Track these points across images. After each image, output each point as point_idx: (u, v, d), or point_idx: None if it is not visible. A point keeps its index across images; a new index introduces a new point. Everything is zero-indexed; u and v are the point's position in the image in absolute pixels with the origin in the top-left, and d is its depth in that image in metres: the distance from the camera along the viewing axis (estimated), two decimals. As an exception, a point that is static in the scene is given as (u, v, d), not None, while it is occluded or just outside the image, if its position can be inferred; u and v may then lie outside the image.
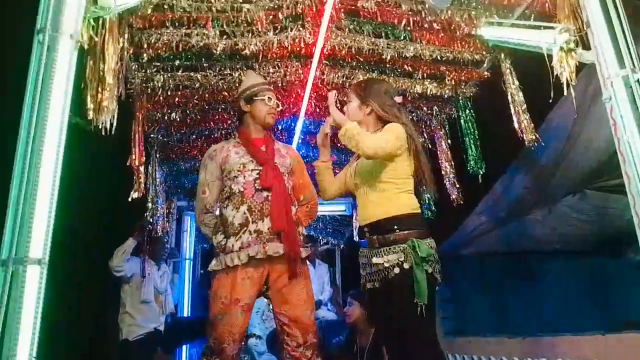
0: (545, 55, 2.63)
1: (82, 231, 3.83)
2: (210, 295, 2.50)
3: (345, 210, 6.03)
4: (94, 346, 4.85)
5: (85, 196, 3.65)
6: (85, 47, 2.21)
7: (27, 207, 1.81)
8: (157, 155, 4.21)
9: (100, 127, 2.48)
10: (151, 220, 4.23)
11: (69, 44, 1.92)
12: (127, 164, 3.37)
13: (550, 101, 2.84)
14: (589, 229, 5.43)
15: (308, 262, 5.55)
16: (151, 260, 4.61)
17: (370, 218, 2.33)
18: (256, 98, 2.65)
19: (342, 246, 7.31)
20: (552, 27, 2.60)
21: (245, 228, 2.46)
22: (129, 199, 3.42)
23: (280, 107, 2.77)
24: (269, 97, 2.65)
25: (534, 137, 3.15)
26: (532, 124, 3.18)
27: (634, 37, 2.58)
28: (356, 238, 5.13)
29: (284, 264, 2.48)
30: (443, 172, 4.17)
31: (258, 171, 2.54)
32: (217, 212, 2.62)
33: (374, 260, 2.26)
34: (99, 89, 2.47)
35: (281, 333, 2.54)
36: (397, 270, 2.18)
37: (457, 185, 4.08)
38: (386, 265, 2.21)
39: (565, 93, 2.60)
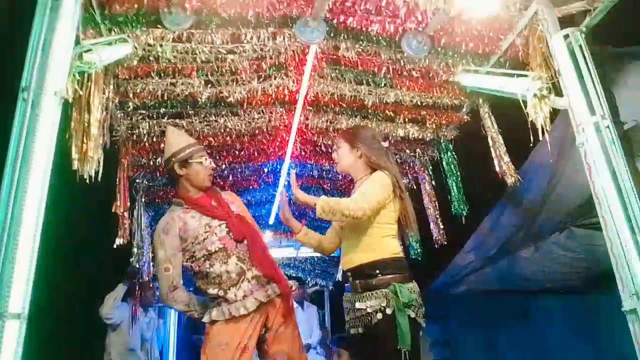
0: (521, 101, 2.71)
1: (65, 280, 3.80)
2: (206, 344, 2.42)
3: (333, 252, 5.99)
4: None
5: (68, 245, 3.64)
6: (70, 100, 2.25)
7: (8, 262, 1.79)
8: (143, 200, 4.22)
9: (85, 176, 2.49)
10: (137, 265, 4.20)
11: (54, 101, 1.94)
12: (112, 210, 3.38)
13: (531, 144, 2.90)
14: (577, 266, 5.42)
15: (296, 304, 5.49)
16: (139, 307, 4.55)
17: (353, 262, 2.34)
18: (191, 161, 2.54)
19: (331, 287, 7.23)
20: (525, 75, 2.69)
21: (243, 276, 2.44)
22: (114, 246, 3.41)
23: (214, 166, 2.68)
24: (205, 158, 2.58)
25: (515, 178, 3.21)
26: (513, 166, 3.25)
27: (610, 81, 2.68)
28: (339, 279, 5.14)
29: (278, 302, 2.49)
30: (428, 213, 4.20)
31: (225, 224, 2.51)
32: (197, 277, 2.52)
33: (357, 305, 2.26)
34: (84, 140, 2.50)
35: None
36: (379, 315, 2.19)
37: (441, 226, 4.11)
38: (369, 310, 2.22)
39: (540, 137, 2.67)
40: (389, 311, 2.18)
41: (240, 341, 2.36)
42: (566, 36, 2.49)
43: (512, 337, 5.72)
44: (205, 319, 2.44)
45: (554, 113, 2.70)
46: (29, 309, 1.82)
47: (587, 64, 2.41)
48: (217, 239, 2.47)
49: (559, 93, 2.59)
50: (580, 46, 2.45)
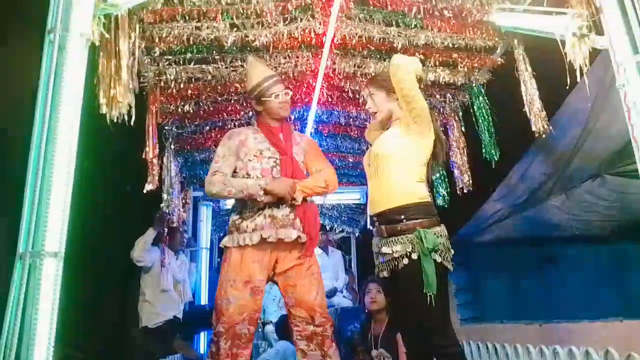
0: (559, 41, 2.58)
1: (98, 224, 3.92)
2: (220, 279, 2.55)
3: (360, 199, 6.03)
4: (116, 332, 4.98)
5: (100, 189, 3.74)
6: (97, 43, 2.25)
7: (43, 202, 1.84)
8: (172, 147, 4.26)
9: (114, 121, 2.52)
10: (167, 210, 4.30)
11: (80, 42, 1.95)
12: (142, 156, 3.42)
13: (567, 87, 2.78)
14: (608, 214, 5.35)
15: (320, 250, 5.56)
16: (170, 250, 4.70)
17: (379, 207, 2.35)
18: (264, 99, 2.65)
19: (357, 234, 7.34)
20: (564, 13, 2.55)
21: (261, 212, 2.51)
22: (144, 191, 3.48)
23: (291, 94, 2.78)
24: (276, 94, 2.64)
25: (544, 126, 3.10)
26: (544, 112, 3.13)
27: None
28: (369, 226, 5.18)
29: (292, 250, 2.55)
30: (455, 160, 4.13)
31: (275, 159, 2.59)
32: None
33: (383, 250, 2.29)
34: (112, 84, 2.51)
35: (290, 316, 2.59)
36: (405, 261, 2.20)
37: (468, 173, 4.05)
38: (395, 255, 2.23)
39: (578, 79, 2.56)
40: (414, 256, 2.19)
41: (242, 276, 2.47)
42: (610, -31, 2.33)
43: (539, 285, 5.73)
44: (221, 244, 2.61)
45: (592, 56, 2.58)
46: (66, 249, 1.89)
47: (632, -1, 2.26)
48: (260, 167, 2.57)
49: (599, 32, 2.46)
50: (625, -21, 2.29)
